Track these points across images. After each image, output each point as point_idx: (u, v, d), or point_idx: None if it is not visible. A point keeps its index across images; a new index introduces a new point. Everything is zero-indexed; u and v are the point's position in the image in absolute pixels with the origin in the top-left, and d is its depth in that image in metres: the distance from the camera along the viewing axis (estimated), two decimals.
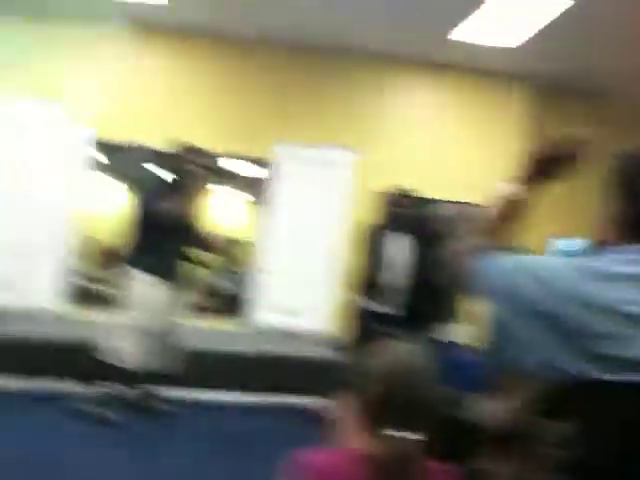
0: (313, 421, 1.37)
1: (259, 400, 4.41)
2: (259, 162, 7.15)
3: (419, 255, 3.86)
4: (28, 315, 5.54)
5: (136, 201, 4.10)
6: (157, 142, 6.97)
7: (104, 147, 6.83)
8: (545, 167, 1.41)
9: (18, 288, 5.69)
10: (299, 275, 6.14)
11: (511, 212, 1.40)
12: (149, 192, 4.06)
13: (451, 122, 7.23)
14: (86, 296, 9.43)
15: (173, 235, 3.97)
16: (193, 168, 4.08)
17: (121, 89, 6.52)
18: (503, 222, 1.40)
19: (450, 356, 3.98)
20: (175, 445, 3.50)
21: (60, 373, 4.38)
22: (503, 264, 1.26)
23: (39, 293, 5.83)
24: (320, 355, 5.00)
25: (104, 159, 9.30)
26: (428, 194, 5.73)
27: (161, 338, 4.03)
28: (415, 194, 4.19)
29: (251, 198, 12.05)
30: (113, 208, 13.03)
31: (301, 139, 6.51)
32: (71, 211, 6.13)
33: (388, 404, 1.22)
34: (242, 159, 7.44)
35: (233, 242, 7.95)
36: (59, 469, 3.01)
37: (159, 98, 6.71)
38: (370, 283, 4.09)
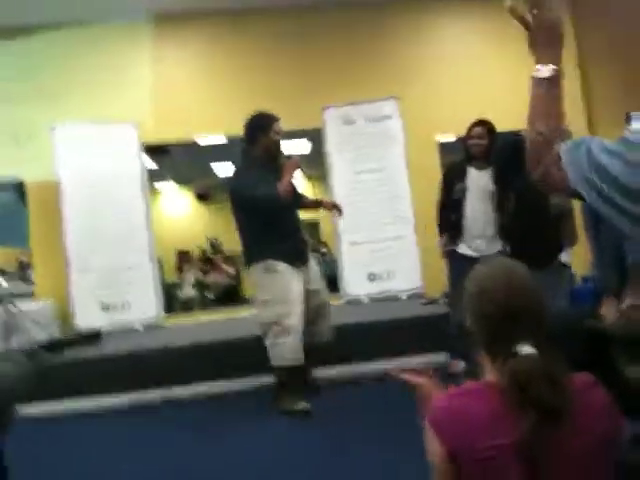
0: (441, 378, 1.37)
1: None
2: (307, 134, 7.16)
3: (508, 185, 3.70)
4: (130, 331, 5.84)
5: (232, 199, 3.82)
6: (211, 134, 7.24)
7: (159, 150, 6.97)
8: (539, 36, 1.35)
9: (124, 307, 6.02)
10: (378, 240, 6.18)
11: (557, 91, 1.32)
12: (241, 184, 3.84)
13: (489, 52, 7.05)
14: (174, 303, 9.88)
15: (282, 217, 3.80)
16: (276, 138, 3.87)
17: (160, 94, 6.59)
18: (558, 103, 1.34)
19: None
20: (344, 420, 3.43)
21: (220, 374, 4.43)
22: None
23: (142, 308, 6.10)
24: (420, 313, 5.02)
25: (159, 163, 9.63)
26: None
27: (312, 320, 3.87)
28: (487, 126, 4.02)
29: (306, 173, 12.16)
30: (179, 212, 13.54)
31: (347, 99, 6.47)
32: (149, 224, 6.32)
33: (511, 320, 1.20)
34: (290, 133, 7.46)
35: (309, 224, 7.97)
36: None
37: (202, 90, 6.80)
38: (455, 225, 3.98)
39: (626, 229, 1.12)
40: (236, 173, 4.00)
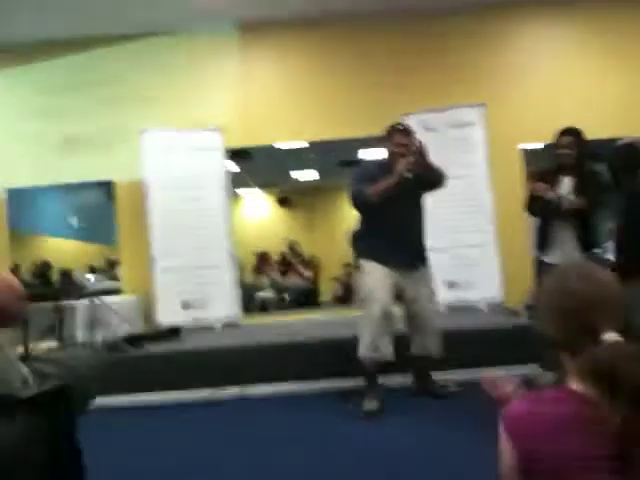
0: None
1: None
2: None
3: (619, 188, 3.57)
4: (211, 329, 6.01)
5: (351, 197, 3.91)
6: (292, 140, 7.37)
7: (242, 155, 7.15)
8: None
9: (204, 305, 6.20)
10: (458, 247, 6.07)
11: None
12: (351, 178, 3.99)
13: (579, 58, 6.81)
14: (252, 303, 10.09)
15: (380, 216, 3.83)
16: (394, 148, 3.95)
17: (245, 99, 6.77)
18: None
19: None
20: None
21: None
22: None
23: (220, 307, 6.27)
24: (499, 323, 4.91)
25: (242, 167, 9.86)
26: None
27: (414, 330, 3.98)
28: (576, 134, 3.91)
29: None
30: (260, 216, 13.86)
31: (428, 105, 6.39)
32: (230, 225, 6.48)
33: (592, 311, 1.19)
34: (369, 140, 7.46)
35: None
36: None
37: (285, 97, 6.89)
38: (544, 235, 3.89)
39: None
40: (356, 169, 4.21)
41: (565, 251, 3.84)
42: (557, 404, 1.16)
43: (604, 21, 6.76)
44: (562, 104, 6.49)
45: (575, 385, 1.18)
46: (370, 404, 3.75)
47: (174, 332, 5.41)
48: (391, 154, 3.91)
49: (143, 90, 6.74)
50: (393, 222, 3.89)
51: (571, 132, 3.86)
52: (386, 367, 3.91)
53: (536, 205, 3.94)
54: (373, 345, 3.79)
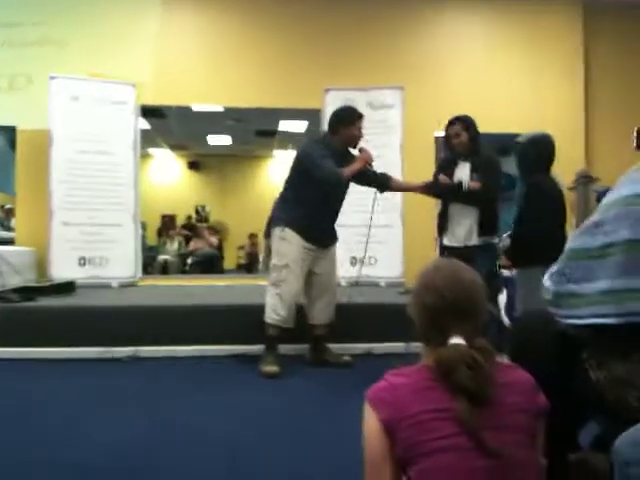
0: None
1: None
2: (304, 114, 7.14)
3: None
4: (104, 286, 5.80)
5: (298, 161, 4.00)
6: (208, 103, 7.21)
7: (155, 113, 6.93)
8: None
9: (102, 263, 5.99)
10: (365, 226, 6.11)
11: None
12: (315, 152, 3.96)
13: (496, 52, 7.06)
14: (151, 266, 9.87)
15: (326, 197, 3.94)
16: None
17: (163, 56, 6.52)
18: None
19: None
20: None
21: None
22: None
23: (119, 267, 6.08)
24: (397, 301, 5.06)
25: (154, 127, 9.56)
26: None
27: (313, 300, 4.12)
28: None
29: None
30: (169, 178, 13.50)
31: (349, 84, 6.42)
32: (136, 184, 6.26)
33: (448, 313, 1.31)
34: (289, 112, 7.45)
35: None
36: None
37: (205, 59, 6.73)
38: (444, 218, 4.04)
39: None
40: (311, 143, 4.18)
41: (462, 235, 4.01)
42: (413, 374, 1.30)
43: (525, 14, 7.02)
44: (479, 94, 6.71)
45: (427, 362, 1.32)
46: (271, 367, 3.83)
47: (68, 287, 5.20)
48: (352, 137, 4.01)
49: (55, 34, 6.34)
50: (329, 204, 4.06)
51: (459, 119, 4.00)
52: (286, 334, 4.01)
53: (438, 188, 4.08)
54: (282, 312, 3.92)
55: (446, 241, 4.07)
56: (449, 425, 1.19)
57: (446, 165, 4.11)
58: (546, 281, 1.59)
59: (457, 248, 3.93)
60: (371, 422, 1.26)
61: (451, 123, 4.01)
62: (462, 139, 3.98)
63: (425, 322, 1.36)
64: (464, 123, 3.99)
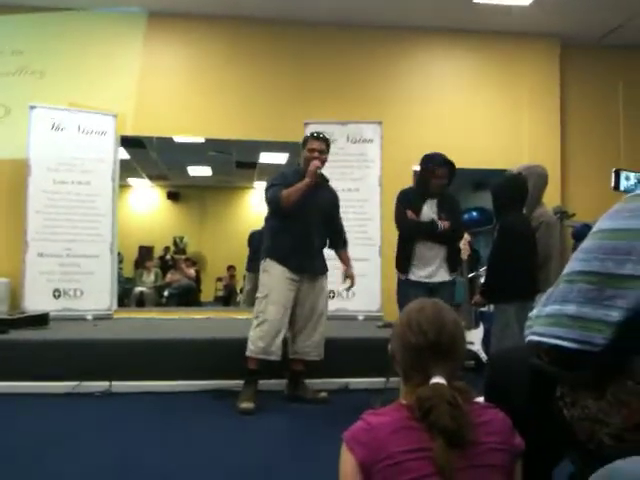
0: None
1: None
2: (285, 146, 7.20)
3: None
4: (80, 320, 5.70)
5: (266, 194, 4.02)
6: (189, 135, 7.23)
7: (135, 144, 6.93)
8: None
9: (77, 295, 5.92)
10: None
11: None
12: (268, 182, 4.03)
13: (474, 87, 7.20)
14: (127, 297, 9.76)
15: (293, 222, 3.93)
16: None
17: (144, 87, 6.52)
18: None
19: None
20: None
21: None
22: None
23: (94, 299, 6.01)
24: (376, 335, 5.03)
25: (134, 157, 9.54)
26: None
27: (297, 333, 4.07)
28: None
29: None
30: (148, 209, 13.43)
31: (329, 118, 6.49)
32: (114, 215, 6.24)
33: (431, 353, 1.32)
34: (269, 144, 7.50)
35: None
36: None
37: (186, 91, 6.78)
38: (408, 255, 4.04)
39: None
40: (277, 174, 4.21)
41: (430, 271, 4.01)
42: (391, 413, 1.29)
43: (502, 50, 7.18)
44: (456, 129, 6.82)
45: (406, 400, 1.32)
46: (247, 404, 3.77)
47: (41, 319, 5.12)
48: (305, 160, 4.02)
49: (37, 65, 6.34)
50: (309, 232, 4.03)
51: (448, 164, 4.02)
52: (269, 367, 3.97)
53: (409, 226, 4.05)
54: (261, 343, 3.86)
55: (413, 277, 4.03)
56: (425, 465, 1.18)
57: (413, 200, 4.09)
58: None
59: (425, 284, 3.97)
60: (348, 463, 1.25)
61: (440, 164, 3.99)
62: (443, 182, 4.03)
63: (407, 361, 1.37)
64: (451, 170, 4.02)
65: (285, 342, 4.06)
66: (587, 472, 1.26)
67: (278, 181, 4.00)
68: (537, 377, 1.57)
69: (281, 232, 3.99)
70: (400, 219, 4.10)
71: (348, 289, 4.38)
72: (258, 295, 4.01)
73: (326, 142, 4.10)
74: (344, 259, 4.35)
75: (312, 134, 4.13)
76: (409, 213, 4.03)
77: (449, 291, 4.01)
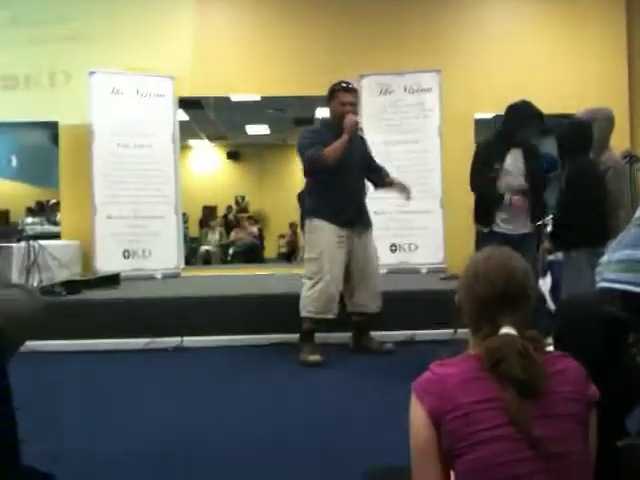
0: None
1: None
2: None
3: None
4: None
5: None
6: (246, 93, 7.24)
7: (194, 105, 6.99)
8: None
9: (145, 255, 6.11)
10: (405, 212, 5.97)
11: None
12: (299, 143, 3.91)
13: (537, 30, 6.88)
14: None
15: (334, 179, 3.84)
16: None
17: (199, 48, 6.56)
18: None
19: None
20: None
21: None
22: None
23: (163, 258, 6.18)
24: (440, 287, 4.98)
25: (193, 118, 9.64)
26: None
27: (354, 287, 4.02)
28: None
29: None
30: (209, 169, 13.63)
31: (385, 69, 6.37)
32: (177, 176, 6.35)
33: (499, 303, 1.29)
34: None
35: None
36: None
37: (241, 50, 6.73)
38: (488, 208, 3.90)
39: None
40: (305, 132, 4.10)
41: (516, 223, 3.88)
42: (460, 364, 1.27)
43: (572, 6, 6.82)
44: (517, 76, 6.55)
45: (475, 351, 1.30)
46: (314, 356, 3.80)
47: (112, 279, 5.31)
48: (336, 113, 3.91)
49: (93, 30, 6.42)
50: (345, 182, 3.93)
51: (541, 117, 3.81)
52: (325, 324, 3.99)
53: (479, 192, 3.95)
54: (316, 304, 3.86)
55: (497, 229, 3.89)
56: (497, 415, 1.17)
57: (495, 151, 3.88)
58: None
59: (508, 235, 3.80)
60: (418, 413, 1.24)
61: (533, 116, 3.78)
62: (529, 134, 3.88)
63: (475, 312, 1.34)
64: (540, 121, 3.82)
65: (341, 297, 4.05)
66: None
67: (313, 139, 3.88)
68: (610, 324, 1.53)
69: (324, 190, 3.93)
70: (473, 179, 3.94)
71: (408, 198, 4.21)
72: (310, 255, 3.96)
73: (356, 92, 4.01)
74: (390, 180, 4.23)
75: (341, 85, 3.94)
76: (488, 177, 3.83)
77: (531, 244, 3.89)
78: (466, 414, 1.18)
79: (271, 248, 12.21)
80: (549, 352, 1.31)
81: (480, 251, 1.43)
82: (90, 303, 4.59)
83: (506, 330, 1.26)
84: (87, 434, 2.65)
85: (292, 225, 11.34)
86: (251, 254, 10.20)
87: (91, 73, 6.06)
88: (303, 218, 4.17)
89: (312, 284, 3.89)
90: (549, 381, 1.21)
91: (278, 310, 4.43)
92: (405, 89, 6.32)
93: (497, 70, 6.68)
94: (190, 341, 4.34)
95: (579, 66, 6.75)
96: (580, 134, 3.61)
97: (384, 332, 4.29)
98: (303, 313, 3.91)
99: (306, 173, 4.01)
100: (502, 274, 1.31)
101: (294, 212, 10.24)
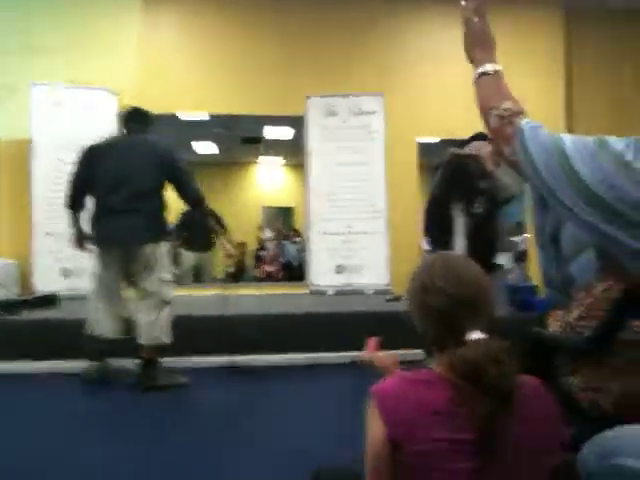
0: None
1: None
2: (288, 120, 7.16)
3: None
4: None
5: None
6: (192, 111, 7.16)
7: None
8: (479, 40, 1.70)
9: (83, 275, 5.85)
10: (350, 233, 6.15)
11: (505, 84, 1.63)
12: None
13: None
14: None
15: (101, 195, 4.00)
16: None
17: (145, 64, 6.50)
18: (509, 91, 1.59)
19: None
20: None
21: None
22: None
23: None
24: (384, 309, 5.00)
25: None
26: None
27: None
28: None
29: (285, 161, 12.14)
30: None
31: (331, 91, 6.43)
32: None
33: (457, 310, 1.21)
34: (273, 118, 7.46)
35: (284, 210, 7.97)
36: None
37: (187, 66, 6.71)
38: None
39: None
40: None
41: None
42: (430, 388, 1.17)
43: (505, 20, 6.94)
44: (460, 100, 6.64)
45: (445, 372, 1.19)
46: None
47: (50, 300, 5.16)
48: None
49: (37, 43, 6.26)
50: (115, 198, 3.94)
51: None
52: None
53: None
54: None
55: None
56: (462, 457, 1.11)
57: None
58: None
59: None
60: (376, 430, 1.16)
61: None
62: None
63: (434, 326, 1.25)
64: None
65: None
66: (586, 436, 1.26)
67: None
68: (536, 345, 1.56)
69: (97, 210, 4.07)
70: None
71: None
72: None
73: None
74: None
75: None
76: None
77: None
78: (426, 452, 1.12)
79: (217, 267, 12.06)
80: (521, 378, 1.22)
81: (421, 264, 1.34)
82: (24, 323, 4.46)
83: (475, 335, 1.18)
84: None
85: (240, 245, 11.23)
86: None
87: (34, 85, 5.93)
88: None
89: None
90: (523, 413, 1.15)
91: None
92: (350, 112, 6.40)
93: (436, 92, 6.79)
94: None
95: (517, 82, 6.88)
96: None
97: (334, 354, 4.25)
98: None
99: None
100: (450, 278, 1.23)
101: (239, 231, 10.18)
